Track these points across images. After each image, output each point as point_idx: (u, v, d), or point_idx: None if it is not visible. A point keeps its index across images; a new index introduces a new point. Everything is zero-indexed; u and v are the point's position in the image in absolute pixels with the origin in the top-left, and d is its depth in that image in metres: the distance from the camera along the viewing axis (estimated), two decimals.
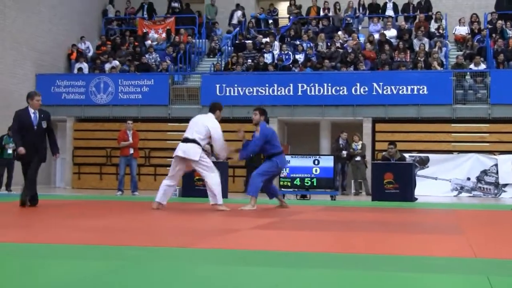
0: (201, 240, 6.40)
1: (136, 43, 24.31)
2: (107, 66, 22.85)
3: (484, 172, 18.35)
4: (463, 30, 23.01)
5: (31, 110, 11.01)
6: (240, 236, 6.97)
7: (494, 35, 22.03)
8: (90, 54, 24.21)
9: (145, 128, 20.91)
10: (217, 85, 21.05)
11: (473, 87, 19.96)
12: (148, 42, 24.25)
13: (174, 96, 21.69)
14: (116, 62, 23.01)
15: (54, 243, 5.99)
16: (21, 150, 10.71)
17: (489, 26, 22.79)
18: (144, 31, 24.87)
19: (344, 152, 18.75)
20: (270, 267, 4.80)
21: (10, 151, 17.82)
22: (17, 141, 10.97)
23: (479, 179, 18.37)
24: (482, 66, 20.54)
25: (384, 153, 16.73)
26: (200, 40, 24.99)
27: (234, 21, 25.77)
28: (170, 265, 4.83)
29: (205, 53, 24.82)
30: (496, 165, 18.34)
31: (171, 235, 7.02)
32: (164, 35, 24.67)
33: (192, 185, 15.75)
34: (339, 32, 23.31)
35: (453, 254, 5.73)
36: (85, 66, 22.91)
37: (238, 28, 25.24)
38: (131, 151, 17.26)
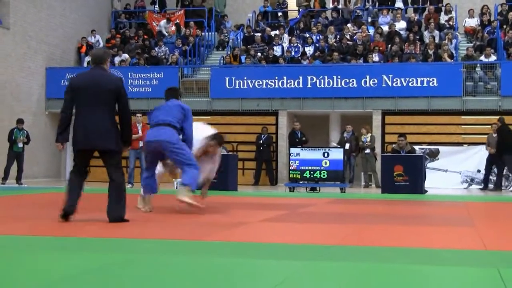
0: (211, 233, 6.42)
1: (146, 36, 24.34)
2: (117, 60, 22.87)
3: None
4: (473, 22, 22.90)
5: None
6: (249, 228, 6.99)
7: (504, 26, 21.92)
8: (100, 47, 24.23)
9: None
10: (227, 78, 21.05)
11: (483, 79, 19.87)
12: (160, 28, 24.26)
13: (183, 89, 21.67)
14: (125, 55, 23.03)
15: (65, 236, 6.03)
16: None
17: (500, 18, 22.67)
18: (154, 24, 24.88)
19: (347, 145, 18.71)
20: (279, 260, 4.81)
21: (20, 144, 17.91)
22: None
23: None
24: (493, 58, 20.44)
25: (394, 145, 16.69)
26: (210, 33, 24.99)
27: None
28: (181, 258, 4.85)
29: (214, 46, 24.81)
30: None
31: (180, 228, 7.04)
32: (173, 28, 24.66)
33: None
34: (349, 25, 23.26)
35: (464, 247, 5.73)
36: None
37: (247, 21, 25.22)
38: (141, 144, 17.29)
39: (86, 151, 7.37)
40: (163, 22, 24.65)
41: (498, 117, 18.18)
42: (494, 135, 17.64)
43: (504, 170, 17.70)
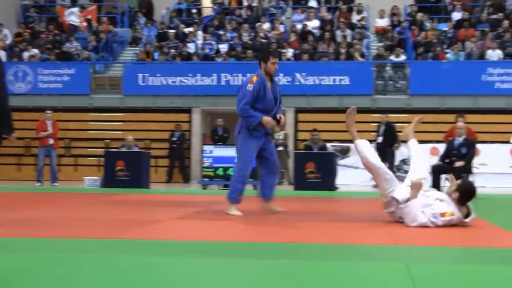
0: (123, 232, 6.32)
1: (57, 31, 23.79)
2: (26, 55, 22.29)
3: (403, 161, 18.72)
4: (383, 22, 23.40)
5: None
6: (162, 226, 6.92)
7: (413, 27, 22.50)
8: (8, 42, 23.56)
9: (66, 118, 20.48)
10: (140, 75, 20.81)
11: (393, 78, 20.37)
12: (70, 15, 23.76)
13: (95, 86, 21.38)
14: (35, 50, 22.46)
15: None
16: None
17: (409, 18, 23.26)
18: (65, 18, 24.33)
19: None
20: (193, 258, 4.78)
21: None
22: None
23: (398, 168, 18.73)
24: (402, 58, 20.95)
25: (307, 141, 16.91)
26: (123, 29, 24.66)
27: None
28: (95, 257, 4.76)
29: (127, 42, 24.50)
30: None
31: (91, 226, 6.90)
32: (85, 23, 24.20)
33: (113, 176, 15.54)
34: (263, 22, 23.37)
35: (373, 242, 5.83)
36: (2, 54, 22.26)
37: (160, 18, 25.00)
38: (51, 141, 16.95)
39: None
40: (75, 9, 24.11)
41: (406, 115, 18.64)
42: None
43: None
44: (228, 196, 8.29)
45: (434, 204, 6.82)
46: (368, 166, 7.36)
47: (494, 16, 22.67)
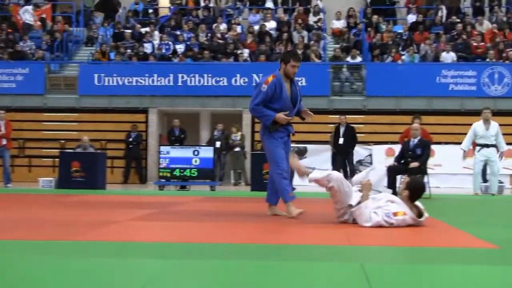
0: (79, 233, 6.25)
1: (10, 30, 23.42)
2: None
3: (360, 162, 18.89)
4: (340, 24, 23.56)
5: None
6: (119, 227, 6.86)
7: (369, 29, 22.70)
8: None
9: (20, 118, 20.18)
10: (96, 75, 20.62)
11: (349, 79, 20.53)
12: (24, 14, 23.40)
13: (50, 86, 21.12)
14: None
15: None
16: None
17: (365, 20, 23.46)
18: (19, 17, 23.97)
19: (218, 143, 18.81)
20: (149, 259, 4.75)
21: None
22: None
23: (355, 169, 18.88)
24: (358, 59, 21.13)
25: None
26: (78, 29, 24.41)
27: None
28: (48, 259, 4.69)
29: (83, 42, 24.25)
30: (370, 155, 18.97)
31: (48, 228, 6.80)
32: (39, 22, 23.88)
33: (68, 176, 15.36)
34: (219, 23, 23.34)
35: (330, 243, 5.85)
36: None
37: (117, 17, 24.81)
38: (4, 141, 16.69)
39: None
40: (29, 8, 23.77)
41: (363, 116, 18.80)
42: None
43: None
44: (283, 200, 8.11)
45: (386, 205, 6.90)
46: (334, 191, 7.22)
47: (449, 19, 23.01)
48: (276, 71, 8.25)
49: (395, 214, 6.79)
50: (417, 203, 7.07)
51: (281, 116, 8.02)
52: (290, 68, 8.15)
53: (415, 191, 7.00)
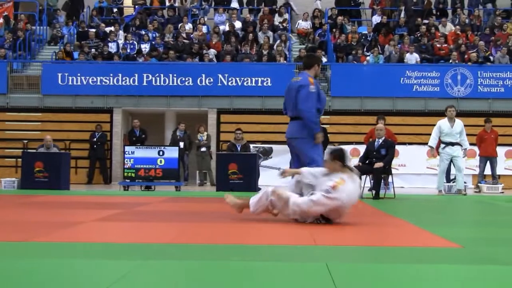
0: (42, 234, 6.18)
1: None
2: None
3: None
4: (305, 25, 23.65)
5: None
6: (83, 228, 6.80)
7: (334, 30, 22.82)
8: None
9: None
10: (59, 74, 20.44)
11: None
12: None
13: (13, 85, 20.86)
14: None
15: None
16: None
17: (330, 21, 23.58)
18: None
19: (181, 143, 18.75)
20: (114, 260, 4.72)
21: None
22: None
23: None
24: (323, 60, 21.21)
25: (231, 140, 17.00)
26: (41, 27, 24.16)
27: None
28: (9, 262, 4.63)
29: (46, 41, 24.00)
30: None
31: (11, 229, 6.72)
32: (1, 20, 23.59)
33: (31, 177, 15.21)
34: (185, 23, 23.28)
35: (295, 242, 5.87)
36: None
37: (81, 16, 24.61)
38: None
39: None
40: None
41: (328, 116, 18.89)
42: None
43: None
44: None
45: (322, 184, 6.91)
46: (274, 204, 7.25)
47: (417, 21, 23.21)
48: (308, 73, 8.22)
49: (333, 187, 6.76)
50: (348, 165, 7.08)
51: (320, 137, 8.02)
52: (318, 69, 8.25)
53: (341, 155, 7.02)
